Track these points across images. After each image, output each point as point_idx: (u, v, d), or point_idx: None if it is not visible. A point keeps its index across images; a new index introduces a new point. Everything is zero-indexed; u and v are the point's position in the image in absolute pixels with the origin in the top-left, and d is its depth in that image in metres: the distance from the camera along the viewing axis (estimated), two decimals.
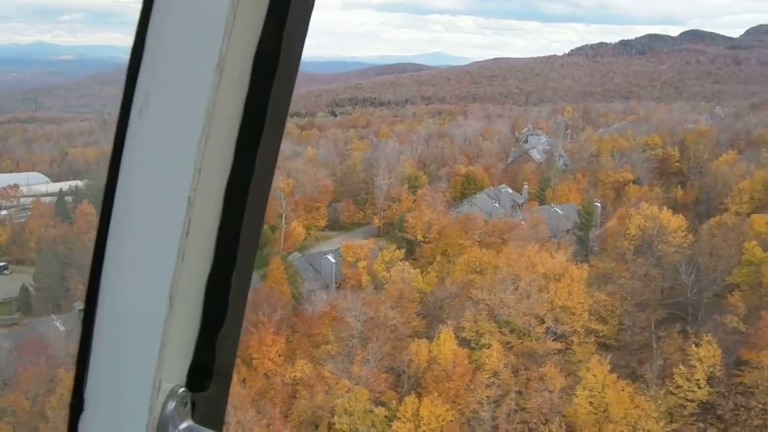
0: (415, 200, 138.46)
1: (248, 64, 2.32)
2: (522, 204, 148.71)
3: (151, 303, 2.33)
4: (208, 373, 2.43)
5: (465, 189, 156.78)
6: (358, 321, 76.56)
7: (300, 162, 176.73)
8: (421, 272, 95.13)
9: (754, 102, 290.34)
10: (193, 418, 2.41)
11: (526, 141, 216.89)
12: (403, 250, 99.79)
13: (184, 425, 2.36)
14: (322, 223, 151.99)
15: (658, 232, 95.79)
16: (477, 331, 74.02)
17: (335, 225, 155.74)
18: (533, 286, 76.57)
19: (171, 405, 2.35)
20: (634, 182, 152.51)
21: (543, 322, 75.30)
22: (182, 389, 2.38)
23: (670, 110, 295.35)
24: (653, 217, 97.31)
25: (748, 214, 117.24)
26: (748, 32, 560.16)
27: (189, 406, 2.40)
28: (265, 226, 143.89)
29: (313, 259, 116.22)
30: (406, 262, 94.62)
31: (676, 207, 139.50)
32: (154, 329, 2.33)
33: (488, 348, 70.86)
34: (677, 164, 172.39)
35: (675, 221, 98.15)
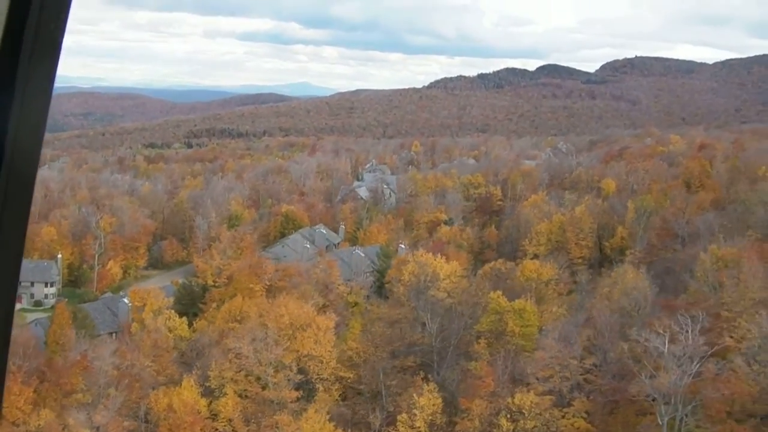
0: (234, 240, 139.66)
1: None
2: (337, 244, 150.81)
3: None
4: None
5: (284, 228, 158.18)
6: (115, 369, 78.30)
7: (128, 200, 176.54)
8: (197, 319, 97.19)
9: (592, 139, 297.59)
10: None
11: (361, 178, 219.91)
12: (171, 299, 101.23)
13: None
14: (142, 262, 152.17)
15: (431, 278, 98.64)
16: (221, 379, 76.13)
17: (158, 263, 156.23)
18: (281, 336, 78.80)
19: None
20: (445, 223, 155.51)
21: (288, 370, 77.57)
22: None
23: (511, 146, 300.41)
24: (425, 264, 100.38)
25: (545, 257, 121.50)
26: (603, 67, 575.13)
27: None
28: (85, 266, 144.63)
29: (111, 302, 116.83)
30: (172, 310, 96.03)
31: (490, 247, 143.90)
32: None
33: (225, 396, 73.19)
34: (499, 203, 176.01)
35: (448, 268, 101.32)
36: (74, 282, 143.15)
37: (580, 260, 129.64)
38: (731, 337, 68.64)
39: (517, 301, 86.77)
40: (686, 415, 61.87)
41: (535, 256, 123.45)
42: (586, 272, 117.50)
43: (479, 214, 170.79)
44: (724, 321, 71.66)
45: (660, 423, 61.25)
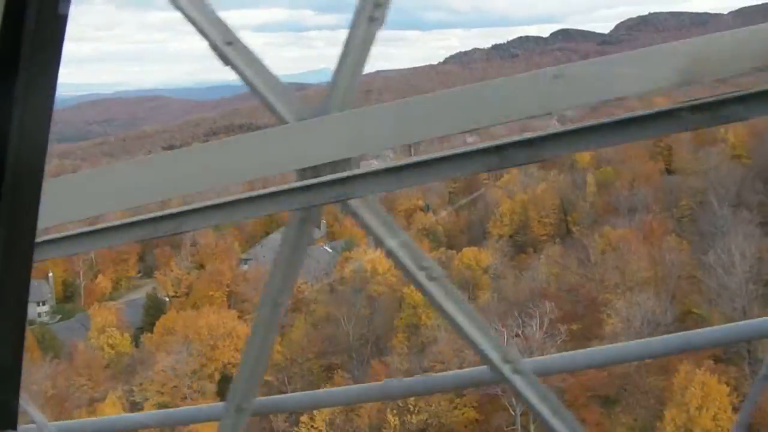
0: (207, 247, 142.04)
1: None
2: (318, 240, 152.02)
3: None
4: None
5: (268, 227, 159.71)
6: (53, 389, 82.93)
7: (120, 212, 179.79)
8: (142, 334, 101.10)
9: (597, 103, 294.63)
10: None
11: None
12: (114, 317, 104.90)
13: None
14: (133, 272, 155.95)
15: (370, 274, 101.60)
16: (145, 392, 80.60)
17: (152, 272, 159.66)
18: (203, 346, 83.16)
19: None
20: (422, 209, 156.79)
21: (208, 380, 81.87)
22: None
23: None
24: (364, 260, 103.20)
25: (510, 237, 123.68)
26: (617, 27, 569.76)
27: None
28: (78, 282, 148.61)
29: (85, 319, 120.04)
30: (115, 329, 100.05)
31: (461, 231, 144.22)
32: None
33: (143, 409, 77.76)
34: (485, 182, 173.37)
35: (387, 262, 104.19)
36: (70, 298, 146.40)
37: (545, 237, 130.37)
38: (608, 319, 72.14)
39: None
40: None
41: (500, 238, 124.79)
42: (551, 248, 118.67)
43: (465, 197, 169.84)
44: (599, 305, 74.84)
45: (513, 414, 65.13)
